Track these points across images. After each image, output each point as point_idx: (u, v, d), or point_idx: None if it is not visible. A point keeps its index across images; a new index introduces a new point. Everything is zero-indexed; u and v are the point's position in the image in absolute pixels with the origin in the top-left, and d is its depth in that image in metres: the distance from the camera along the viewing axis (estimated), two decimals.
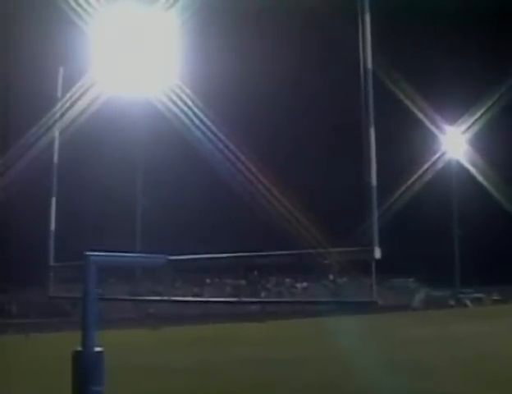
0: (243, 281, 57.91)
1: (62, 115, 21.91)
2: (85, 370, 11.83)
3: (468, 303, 61.42)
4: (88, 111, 23.09)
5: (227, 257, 13.58)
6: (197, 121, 27.91)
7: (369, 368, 18.86)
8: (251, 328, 37.14)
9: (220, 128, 27.62)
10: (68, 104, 22.21)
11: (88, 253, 12.22)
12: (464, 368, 18.87)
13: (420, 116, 51.71)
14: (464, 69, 51.45)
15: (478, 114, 54.64)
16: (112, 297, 31.64)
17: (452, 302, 60.65)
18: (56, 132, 21.50)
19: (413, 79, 47.08)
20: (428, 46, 53.30)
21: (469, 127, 57.45)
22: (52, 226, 19.50)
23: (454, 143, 60.05)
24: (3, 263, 39.08)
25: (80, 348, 11.95)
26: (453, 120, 57.81)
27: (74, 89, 22.92)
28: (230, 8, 32.99)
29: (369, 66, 10.89)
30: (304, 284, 60.91)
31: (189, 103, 27.07)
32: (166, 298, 38.57)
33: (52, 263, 19.03)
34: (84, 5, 22.91)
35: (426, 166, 53.29)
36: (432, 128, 56.05)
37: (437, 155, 57.86)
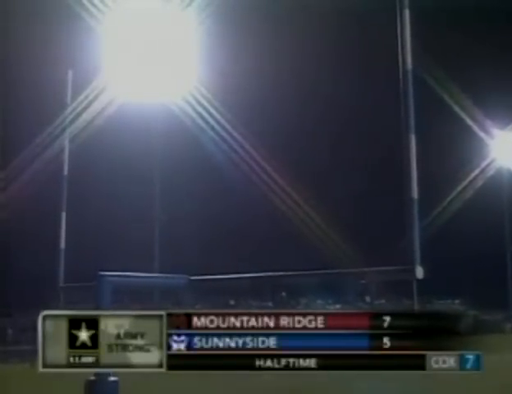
0: (270, 303, 57.84)
1: (72, 122, 22.17)
2: None
3: None
4: (100, 117, 23.38)
5: (253, 277, 13.63)
6: (219, 129, 28.02)
7: None
8: None
9: (245, 137, 27.64)
10: (78, 110, 22.48)
11: (101, 273, 12.37)
12: None
13: (467, 119, 51.48)
14: None
15: None
16: None
17: (506, 326, 59.84)
18: (65, 141, 21.77)
19: (459, 78, 46.91)
20: (476, 42, 53.05)
21: None
22: (62, 244, 19.72)
23: (505, 149, 59.54)
24: (5, 285, 39.40)
25: (93, 377, 12.07)
26: (504, 123, 57.38)
27: (84, 94, 23.22)
28: (253, 5, 33.17)
29: (409, 66, 10.97)
30: (338, 306, 60.67)
31: (211, 108, 27.24)
32: None
33: (62, 284, 19.21)
34: (96, 2, 23.26)
35: (473, 175, 52.96)
36: (481, 133, 55.72)
37: (486, 163, 57.41)
